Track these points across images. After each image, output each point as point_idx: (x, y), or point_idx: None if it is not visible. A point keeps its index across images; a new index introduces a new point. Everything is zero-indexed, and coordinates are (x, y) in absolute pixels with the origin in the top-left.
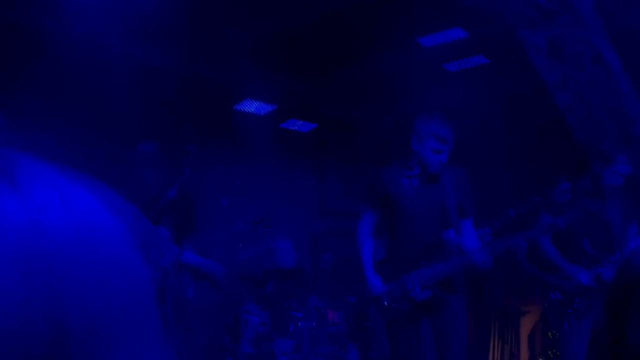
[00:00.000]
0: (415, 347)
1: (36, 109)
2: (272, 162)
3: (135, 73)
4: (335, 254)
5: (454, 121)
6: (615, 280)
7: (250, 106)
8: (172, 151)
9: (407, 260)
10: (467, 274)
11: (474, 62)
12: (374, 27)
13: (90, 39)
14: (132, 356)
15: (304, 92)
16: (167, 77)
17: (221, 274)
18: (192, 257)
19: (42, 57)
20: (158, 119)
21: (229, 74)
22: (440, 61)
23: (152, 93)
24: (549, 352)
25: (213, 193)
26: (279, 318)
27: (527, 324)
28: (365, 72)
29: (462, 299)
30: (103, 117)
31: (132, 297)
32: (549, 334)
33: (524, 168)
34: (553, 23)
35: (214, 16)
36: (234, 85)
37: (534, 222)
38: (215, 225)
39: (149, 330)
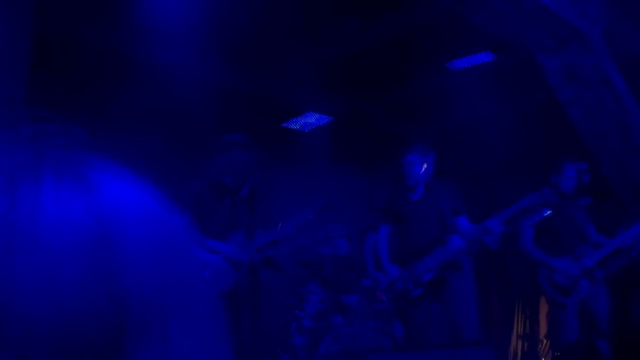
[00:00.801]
0: (429, 325)
1: (114, 125)
2: (328, 166)
3: (209, 92)
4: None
5: (424, 145)
6: (617, 266)
7: (311, 118)
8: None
9: (414, 255)
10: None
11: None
12: (415, 54)
13: (171, 63)
14: (184, 332)
15: (358, 107)
16: (238, 95)
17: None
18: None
19: (124, 79)
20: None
21: (293, 92)
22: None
23: (225, 109)
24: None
25: (275, 194)
26: (333, 297)
27: (545, 303)
28: (410, 92)
29: (467, 279)
30: (178, 133)
31: (185, 282)
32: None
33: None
34: (567, 50)
35: (281, 43)
36: (297, 100)
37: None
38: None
39: (200, 311)
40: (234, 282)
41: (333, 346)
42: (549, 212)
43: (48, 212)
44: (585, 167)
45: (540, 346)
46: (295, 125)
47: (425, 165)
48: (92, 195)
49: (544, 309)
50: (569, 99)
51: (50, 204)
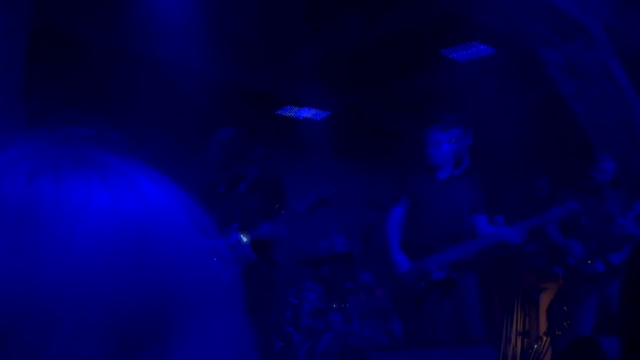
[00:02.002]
0: (436, 321)
1: (120, 118)
2: (327, 161)
3: (208, 87)
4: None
5: (456, 128)
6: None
7: (308, 113)
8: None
9: (427, 247)
10: (482, 257)
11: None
12: (415, 49)
13: (170, 58)
14: (201, 320)
15: (357, 103)
16: (237, 90)
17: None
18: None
19: (123, 75)
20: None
21: (292, 87)
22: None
23: (223, 104)
24: (564, 324)
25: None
26: (333, 294)
27: (545, 300)
28: (410, 88)
29: (474, 279)
30: (177, 127)
31: (197, 273)
32: (564, 307)
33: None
34: (570, 44)
35: (281, 38)
36: (296, 95)
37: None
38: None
39: (214, 297)
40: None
41: (332, 344)
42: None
43: (91, 207)
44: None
45: (540, 343)
46: (293, 118)
47: (451, 144)
48: (109, 190)
49: (544, 305)
50: (572, 94)
51: (94, 200)
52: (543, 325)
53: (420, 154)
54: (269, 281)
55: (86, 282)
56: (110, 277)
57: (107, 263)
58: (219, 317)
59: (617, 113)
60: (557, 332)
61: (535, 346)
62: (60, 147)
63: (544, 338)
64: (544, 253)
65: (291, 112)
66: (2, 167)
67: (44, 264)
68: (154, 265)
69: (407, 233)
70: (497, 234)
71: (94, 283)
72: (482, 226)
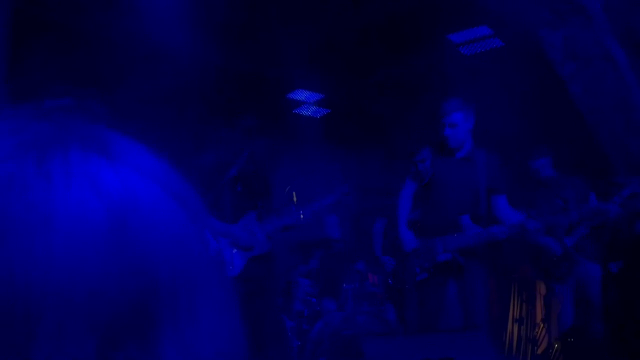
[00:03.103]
0: (442, 306)
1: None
2: (317, 146)
3: (199, 71)
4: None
5: (466, 103)
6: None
7: (301, 95)
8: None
9: (436, 227)
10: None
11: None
12: (410, 31)
13: (162, 43)
14: (207, 309)
15: (350, 87)
16: (229, 74)
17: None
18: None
19: (117, 60)
20: (220, 110)
21: (284, 70)
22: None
23: (216, 88)
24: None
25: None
26: (325, 281)
27: (542, 287)
28: (403, 69)
29: (481, 265)
30: (170, 113)
31: (202, 260)
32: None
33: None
34: (567, 24)
35: (273, 22)
36: (288, 78)
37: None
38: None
39: (221, 290)
40: (241, 268)
41: (325, 331)
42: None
43: (78, 188)
44: None
45: (537, 330)
46: (285, 101)
47: (465, 125)
48: (118, 170)
49: (541, 292)
50: (568, 75)
51: (80, 179)
52: (540, 312)
53: (434, 137)
54: (271, 266)
55: (69, 275)
56: (93, 268)
57: (90, 253)
58: (212, 306)
59: (614, 95)
60: (552, 320)
61: (533, 333)
62: (42, 122)
63: (541, 325)
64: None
65: (282, 95)
66: None
67: (24, 257)
68: (140, 254)
69: (418, 212)
70: (520, 221)
71: (77, 275)
72: (504, 209)
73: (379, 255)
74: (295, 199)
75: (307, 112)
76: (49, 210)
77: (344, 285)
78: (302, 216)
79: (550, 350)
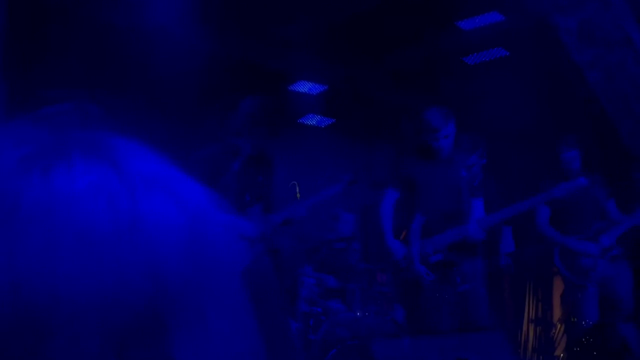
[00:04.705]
0: (439, 307)
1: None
2: (323, 139)
3: (198, 61)
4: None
5: (450, 112)
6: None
7: (304, 87)
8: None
9: (424, 230)
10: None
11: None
12: (417, 15)
13: (157, 30)
14: (218, 312)
15: (354, 74)
16: (230, 63)
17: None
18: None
19: (109, 48)
20: (221, 101)
21: (285, 60)
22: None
23: (216, 78)
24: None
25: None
26: (332, 280)
27: (559, 285)
28: (410, 58)
29: (477, 262)
30: (168, 102)
31: (215, 261)
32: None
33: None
34: (584, 8)
35: (273, 8)
36: (290, 68)
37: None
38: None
39: (232, 292)
40: (249, 261)
41: (331, 332)
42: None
43: (83, 196)
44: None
45: (553, 331)
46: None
47: (454, 130)
48: (122, 176)
49: (557, 291)
50: (587, 62)
51: (84, 187)
52: (557, 312)
53: (426, 144)
54: (278, 264)
55: (81, 282)
56: (104, 275)
57: (100, 261)
58: (223, 308)
59: (635, 81)
60: (572, 319)
61: (549, 334)
62: (43, 132)
63: (559, 325)
64: None
65: (283, 86)
66: None
67: (37, 263)
68: (151, 259)
69: (403, 216)
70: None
71: (89, 282)
72: (477, 212)
73: (389, 239)
74: (298, 191)
75: (309, 102)
76: (56, 220)
77: (351, 284)
78: (304, 209)
79: (574, 349)
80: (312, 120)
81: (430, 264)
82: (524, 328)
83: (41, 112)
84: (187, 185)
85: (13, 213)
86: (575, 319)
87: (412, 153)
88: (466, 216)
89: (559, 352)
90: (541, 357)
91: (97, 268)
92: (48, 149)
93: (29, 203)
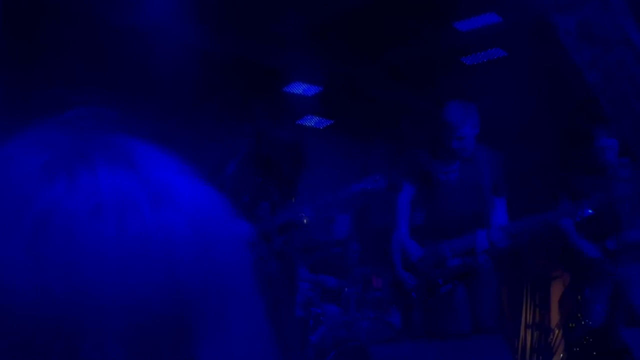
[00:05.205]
0: (451, 313)
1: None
2: (318, 138)
3: (192, 60)
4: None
5: (473, 107)
6: None
7: (298, 88)
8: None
9: (442, 231)
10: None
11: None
12: (414, 12)
13: (151, 28)
14: (239, 319)
15: (350, 73)
16: (222, 62)
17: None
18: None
19: (103, 46)
20: (214, 100)
21: (279, 59)
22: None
23: (210, 78)
24: (578, 315)
25: None
26: (332, 280)
27: (557, 289)
28: (408, 56)
29: (491, 267)
30: (163, 101)
31: (234, 268)
32: (579, 297)
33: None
34: (583, 7)
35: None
36: (283, 68)
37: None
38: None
39: (248, 295)
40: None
41: (327, 337)
42: (590, 212)
43: (108, 201)
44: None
45: (551, 336)
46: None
47: (474, 130)
48: (144, 181)
49: (555, 295)
50: (586, 63)
51: (109, 192)
52: (555, 317)
53: (445, 141)
54: (282, 267)
55: (111, 286)
56: (129, 281)
57: (125, 267)
58: (243, 313)
59: (635, 81)
60: (570, 325)
61: (547, 339)
62: (68, 136)
63: (557, 331)
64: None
65: (278, 86)
66: (11, 160)
67: (64, 268)
68: (174, 264)
69: (420, 216)
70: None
71: (119, 286)
72: (498, 215)
73: (400, 271)
74: (305, 219)
75: (304, 100)
76: (81, 226)
77: (347, 289)
78: (304, 215)
79: (574, 349)
80: (309, 122)
81: (448, 267)
82: (522, 333)
83: (60, 117)
84: (200, 189)
85: (39, 218)
86: (574, 325)
87: (430, 149)
88: (487, 218)
89: (557, 358)
90: None
91: (123, 273)
92: (71, 154)
93: (55, 208)
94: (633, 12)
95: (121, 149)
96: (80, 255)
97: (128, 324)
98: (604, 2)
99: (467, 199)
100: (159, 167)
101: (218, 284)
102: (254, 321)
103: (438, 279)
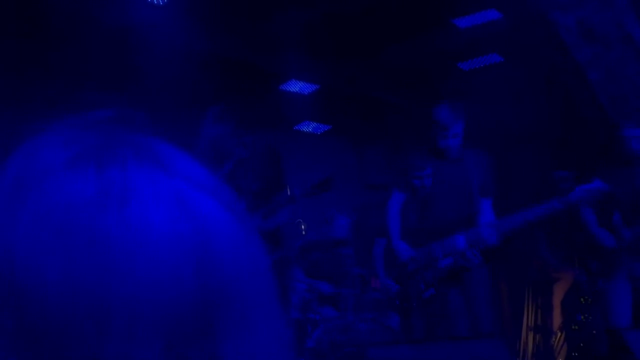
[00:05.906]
0: (446, 313)
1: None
2: (314, 139)
3: (186, 60)
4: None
5: (461, 108)
6: None
7: (295, 86)
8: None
9: (433, 233)
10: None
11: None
12: (412, 12)
13: (147, 29)
14: (259, 313)
15: (347, 73)
16: (219, 63)
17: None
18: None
19: (98, 46)
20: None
21: (275, 58)
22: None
23: (205, 77)
24: (582, 317)
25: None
26: (325, 285)
27: (559, 291)
28: (405, 55)
29: (484, 267)
30: (158, 101)
31: (256, 269)
32: (582, 299)
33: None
34: (584, 5)
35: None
36: (280, 66)
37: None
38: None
39: (269, 298)
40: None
41: (324, 339)
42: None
43: (139, 195)
44: None
45: (554, 339)
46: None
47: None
48: (173, 181)
49: (557, 297)
50: (586, 61)
51: (140, 186)
52: (557, 319)
53: (435, 142)
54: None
55: (140, 279)
56: (158, 278)
57: (154, 264)
58: (264, 311)
59: (635, 80)
60: (573, 327)
61: (549, 342)
62: (94, 135)
63: (559, 333)
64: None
65: (274, 85)
66: (35, 155)
67: (95, 262)
68: (200, 263)
69: (411, 217)
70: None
71: (144, 285)
72: (484, 215)
73: (382, 278)
74: (303, 227)
75: (300, 101)
76: (111, 220)
77: (344, 290)
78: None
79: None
80: (307, 127)
81: (439, 268)
82: (523, 336)
83: (87, 117)
84: (225, 190)
85: (67, 212)
86: (577, 327)
87: (421, 152)
88: (476, 218)
89: None
90: None
91: (152, 269)
92: (99, 149)
93: (84, 202)
94: (634, 10)
95: (147, 146)
96: (109, 249)
97: (158, 319)
98: (604, 0)
99: (456, 201)
100: (186, 167)
101: (242, 285)
102: (274, 325)
103: (420, 284)
